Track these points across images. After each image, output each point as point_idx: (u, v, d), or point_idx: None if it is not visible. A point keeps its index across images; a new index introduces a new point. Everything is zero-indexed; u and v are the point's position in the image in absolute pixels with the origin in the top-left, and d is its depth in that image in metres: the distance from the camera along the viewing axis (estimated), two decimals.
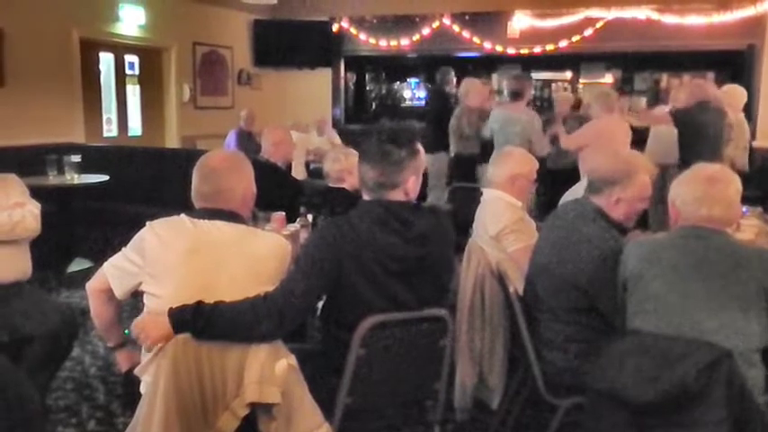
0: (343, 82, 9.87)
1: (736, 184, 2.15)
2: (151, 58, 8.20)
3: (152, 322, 1.88)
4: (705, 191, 2.09)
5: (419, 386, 2.17)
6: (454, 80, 6.92)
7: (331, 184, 3.65)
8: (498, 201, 3.19)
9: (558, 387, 2.46)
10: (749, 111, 7.78)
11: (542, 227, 2.79)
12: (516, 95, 5.37)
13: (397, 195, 2.07)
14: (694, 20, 7.72)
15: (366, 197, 2.12)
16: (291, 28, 9.28)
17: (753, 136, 7.54)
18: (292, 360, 1.86)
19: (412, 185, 2.09)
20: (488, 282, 2.94)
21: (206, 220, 2.04)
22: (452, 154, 6.02)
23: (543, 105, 9.80)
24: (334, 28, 9.35)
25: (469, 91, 5.99)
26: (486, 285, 2.96)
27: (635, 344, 1.94)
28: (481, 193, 5.12)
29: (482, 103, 6.03)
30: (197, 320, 1.80)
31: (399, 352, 2.03)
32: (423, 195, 6.38)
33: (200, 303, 1.84)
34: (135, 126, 8.23)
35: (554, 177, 5.63)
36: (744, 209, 3.55)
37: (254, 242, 2.06)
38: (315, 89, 9.65)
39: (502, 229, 3.06)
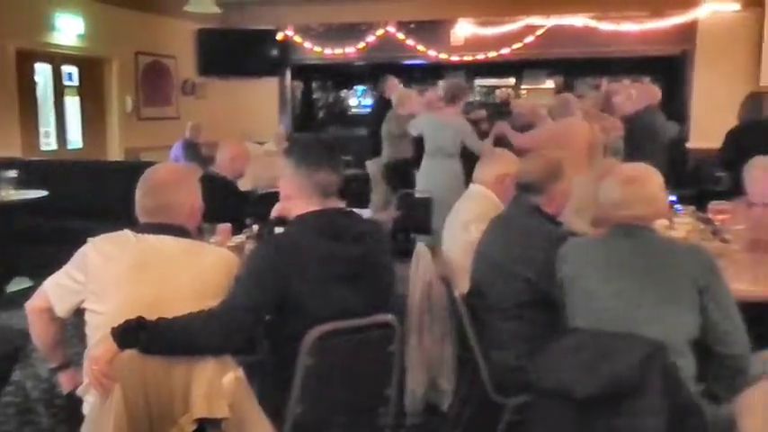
0: (289, 90, 9.84)
1: (656, 179, 2.21)
2: (91, 68, 8.02)
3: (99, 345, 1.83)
4: (622, 193, 2.17)
5: (369, 393, 2.17)
6: (394, 87, 6.97)
7: (263, 191, 3.66)
8: (481, 195, 3.28)
9: (505, 386, 2.51)
10: (684, 113, 8.12)
11: (487, 226, 2.86)
12: (452, 99, 5.43)
13: (337, 201, 2.15)
14: (630, 27, 7.98)
15: (308, 207, 2.12)
16: (237, 37, 9.22)
17: (687, 137, 7.87)
18: (240, 373, 1.84)
19: None
20: (436, 286, 2.99)
21: (151, 235, 2.02)
22: (387, 160, 6.14)
23: (488, 112, 9.98)
24: (280, 36, 9.32)
25: (404, 102, 6.10)
26: (434, 289, 3.01)
27: (575, 341, 2.00)
28: (428, 200, 5.23)
29: (417, 111, 6.15)
30: (141, 333, 1.78)
31: (348, 360, 2.04)
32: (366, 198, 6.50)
33: (141, 318, 1.82)
34: (75, 139, 8.02)
35: None
36: (678, 208, 3.70)
37: (201, 257, 2.04)
38: (262, 98, 9.59)
39: (474, 217, 3.11)
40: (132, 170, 2.36)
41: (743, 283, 2.83)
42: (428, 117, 5.58)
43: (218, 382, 1.80)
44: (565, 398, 1.93)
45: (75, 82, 7.97)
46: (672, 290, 2.05)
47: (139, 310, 1.83)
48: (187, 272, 1.97)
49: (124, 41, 8.10)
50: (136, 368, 1.76)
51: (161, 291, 1.92)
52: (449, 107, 5.43)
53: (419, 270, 3.10)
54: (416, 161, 5.99)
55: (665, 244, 2.18)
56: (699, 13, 7.68)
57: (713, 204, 3.45)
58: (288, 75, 9.72)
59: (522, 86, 10.52)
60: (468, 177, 5.33)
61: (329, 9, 8.84)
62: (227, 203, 3.51)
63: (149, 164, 2.27)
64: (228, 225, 3.18)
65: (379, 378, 2.16)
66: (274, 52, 9.35)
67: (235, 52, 9.15)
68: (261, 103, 9.52)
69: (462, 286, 2.72)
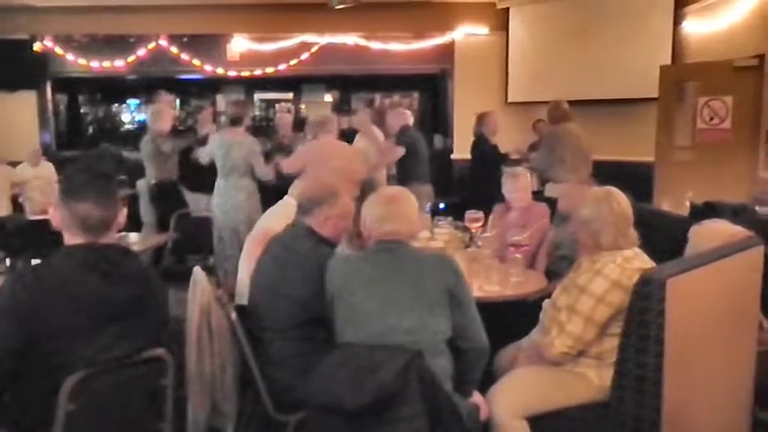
0: (51, 105, 9.01)
1: (413, 201, 2.48)
2: None
3: None
4: (387, 210, 2.38)
5: (142, 430, 2.10)
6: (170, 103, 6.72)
7: (33, 217, 3.37)
8: (290, 206, 3.34)
9: (285, 404, 2.58)
10: (446, 127, 8.88)
11: (264, 247, 2.91)
12: (236, 121, 5.43)
13: (111, 235, 2.04)
14: (397, 46, 8.53)
15: (76, 240, 2.00)
16: None
17: (451, 150, 8.61)
18: None
19: (122, 220, 2.09)
20: (214, 309, 2.97)
21: None
22: (153, 181, 5.90)
23: (269, 126, 10.05)
24: (37, 47, 8.54)
25: (159, 117, 5.92)
26: (212, 313, 2.98)
27: (343, 356, 2.12)
28: (207, 220, 5.15)
29: (171, 126, 6.08)
30: None
31: (116, 400, 1.95)
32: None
33: None
34: None
35: None
36: (438, 218, 4.04)
37: None
38: (18, 114, 8.69)
39: (276, 225, 3.13)
40: None
41: (493, 285, 3.20)
42: (218, 137, 5.51)
43: None
44: (336, 411, 2.04)
45: None
46: (427, 296, 2.26)
47: None
48: None
49: None
50: None
51: None
52: (235, 128, 5.41)
53: (196, 294, 3.06)
54: (186, 179, 5.86)
55: (419, 255, 2.40)
56: (455, 35, 8.45)
57: (469, 213, 3.82)
58: (48, 88, 8.92)
59: (302, 101, 10.75)
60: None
61: (92, 20, 8.29)
62: None
63: None
64: None
65: (151, 414, 2.10)
66: (30, 64, 8.53)
67: None
68: (16, 119, 8.63)
69: None
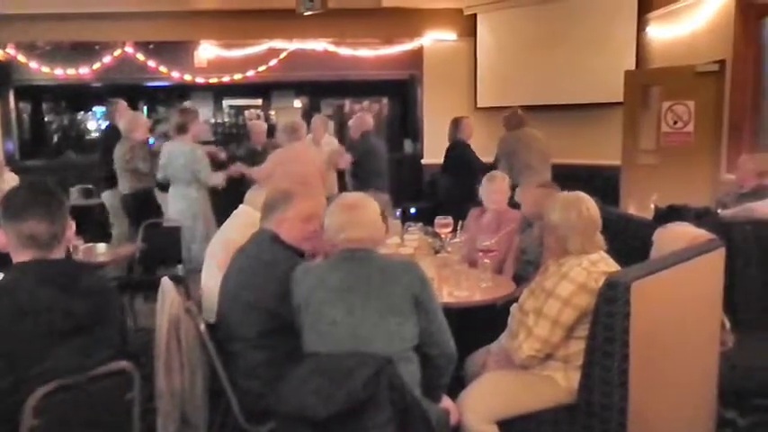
0: (14, 114, 8.86)
1: (374, 206, 2.45)
2: None
3: None
4: (345, 218, 2.35)
5: None
6: (124, 111, 6.47)
7: None
8: (245, 215, 3.38)
9: (255, 414, 2.56)
10: (416, 133, 8.92)
11: (232, 257, 2.89)
12: (181, 129, 5.39)
13: (61, 249, 2.01)
14: (366, 52, 8.57)
15: (24, 257, 1.97)
16: None
17: (421, 155, 8.65)
18: None
19: (71, 234, 2.06)
20: (183, 320, 2.94)
21: None
22: (126, 191, 5.79)
23: (239, 132, 10.00)
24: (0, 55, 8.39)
25: (135, 126, 5.84)
26: (182, 324, 2.95)
27: (312, 366, 2.11)
28: (176, 229, 5.11)
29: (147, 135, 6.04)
30: None
31: (81, 414, 1.92)
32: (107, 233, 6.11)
33: None
34: None
35: None
36: (408, 224, 4.05)
37: None
38: None
39: (237, 236, 3.11)
40: None
41: (462, 291, 3.22)
42: (167, 146, 5.48)
43: None
44: (306, 420, 2.03)
45: None
46: (393, 303, 2.25)
47: None
48: None
49: None
50: None
51: None
52: (181, 135, 5.38)
53: (165, 305, 3.02)
54: (163, 189, 5.80)
55: (385, 263, 2.38)
56: (423, 41, 8.50)
57: (438, 219, 3.82)
58: (11, 96, 8.76)
59: (272, 107, 10.72)
60: None
61: (56, 27, 8.15)
62: None
63: None
64: None
65: (118, 428, 2.07)
66: None
67: None
68: None
69: None
